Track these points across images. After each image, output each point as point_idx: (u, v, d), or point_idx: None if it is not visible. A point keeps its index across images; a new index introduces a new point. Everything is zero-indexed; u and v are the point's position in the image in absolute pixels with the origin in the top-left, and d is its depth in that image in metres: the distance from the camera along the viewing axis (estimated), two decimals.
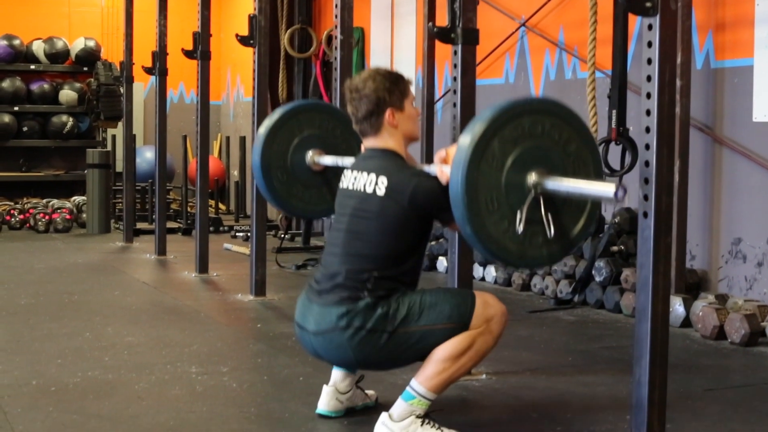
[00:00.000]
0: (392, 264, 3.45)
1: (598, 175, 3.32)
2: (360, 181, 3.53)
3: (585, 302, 6.36)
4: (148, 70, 8.52)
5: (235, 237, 10.17)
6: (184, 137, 11.53)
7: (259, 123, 6.36)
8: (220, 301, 6.45)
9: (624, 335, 5.52)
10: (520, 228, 3.09)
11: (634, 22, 6.40)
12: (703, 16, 5.99)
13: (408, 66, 9.10)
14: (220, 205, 12.08)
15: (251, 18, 6.40)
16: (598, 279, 6.26)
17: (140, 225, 10.29)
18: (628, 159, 6.13)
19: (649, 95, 3.31)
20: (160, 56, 8.43)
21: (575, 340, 5.42)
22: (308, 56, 9.83)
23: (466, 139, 3.09)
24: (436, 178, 3.40)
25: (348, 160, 4.25)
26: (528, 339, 5.38)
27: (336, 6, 5.37)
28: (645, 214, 3.34)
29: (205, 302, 6.41)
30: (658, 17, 3.24)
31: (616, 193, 3.02)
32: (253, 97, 6.51)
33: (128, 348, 4.97)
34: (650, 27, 3.28)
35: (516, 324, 5.78)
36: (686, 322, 5.64)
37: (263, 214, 6.55)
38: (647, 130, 3.33)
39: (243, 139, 11.61)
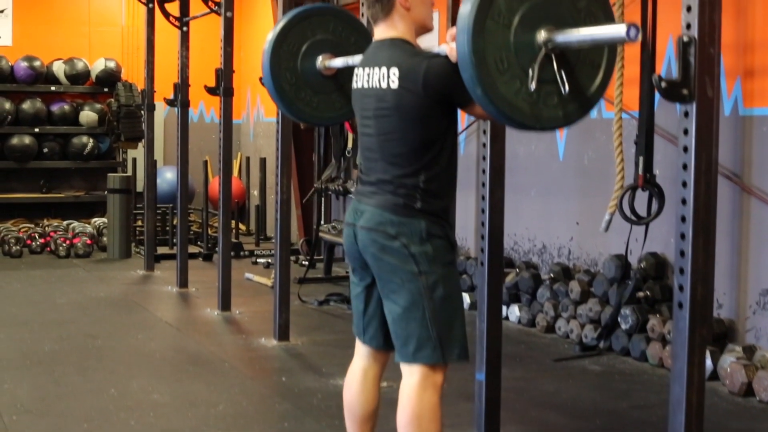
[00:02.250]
0: (431, 160, 3.31)
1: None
2: (373, 77, 3.38)
3: (610, 348, 6.31)
4: (170, 102, 8.51)
5: (255, 263, 10.14)
6: (205, 162, 11.53)
7: (284, 147, 6.35)
8: (243, 347, 6.42)
9: (652, 390, 5.47)
10: (532, 85, 2.95)
11: (660, 66, 6.36)
12: (732, 62, 5.93)
13: None
14: (240, 226, 12.06)
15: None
16: (624, 326, 6.21)
17: (161, 249, 10.24)
18: (655, 206, 6.10)
19: (685, 184, 3.27)
20: (182, 88, 8.40)
21: (603, 396, 5.37)
22: None
23: None
24: (447, 57, 3.21)
25: (359, 59, 4.16)
26: (554, 395, 5.33)
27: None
28: (680, 305, 3.30)
29: (229, 348, 6.38)
30: (694, 104, 3.20)
31: (628, 32, 2.81)
32: (276, 149, 6.44)
33: (154, 408, 4.95)
34: (686, 114, 3.23)
35: (542, 376, 5.76)
36: (714, 375, 5.59)
37: (287, 258, 6.53)
38: (683, 219, 3.28)
39: (263, 161, 11.59)
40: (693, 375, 3.28)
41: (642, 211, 6.18)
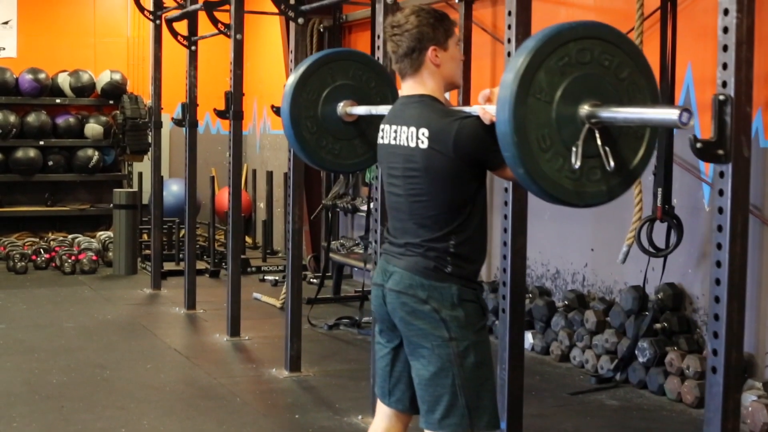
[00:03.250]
0: (461, 222, 3.23)
1: (654, 101, 3.03)
2: (401, 135, 3.29)
3: (626, 381, 6.22)
4: (179, 122, 8.41)
5: (263, 281, 10.04)
6: (212, 176, 11.43)
7: (295, 196, 6.27)
8: (254, 379, 6.32)
9: (671, 427, 5.38)
10: (577, 163, 2.83)
11: (679, 94, 6.27)
12: (755, 92, 5.80)
13: None
14: (247, 239, 11.97)
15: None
16: (641, 359, 6.11)
17: (167, 264, 10.13)
18: (673, 237, 6.02)
19: (720, 246, 3.18)
20: (190, 108, 8.30)
21: None
22: None
23: (509, 75, 2.80)
24: (478, 118, 3.14)
25: (383, 108, 4.02)
26: None
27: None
28: (714, 369, 3.20)
29: (240, 380, 6.29)
30: (730, 165, 3.10)
31: (680, 118, 2.70)
32: (289, 169, 6.34)
33: None
34: (722, 174, 3.13)
35: (560, 412, 5.66)
36: None
37: (299, 286, 6.43)
38: (717, 282, 3.19)
39: (270, 174, 11.49)
40: None
41: (659, 241, 6.10)
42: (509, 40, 4.17)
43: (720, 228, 3.17)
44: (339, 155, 4.31)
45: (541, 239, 7.76)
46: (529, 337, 7.15)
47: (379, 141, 3.45)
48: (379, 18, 5.21)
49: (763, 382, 5.70)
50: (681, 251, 6.12)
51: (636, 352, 6.16)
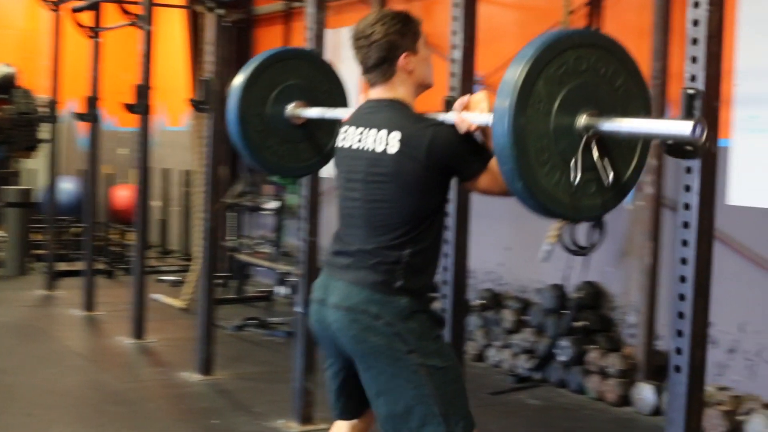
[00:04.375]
0: (421, 233, 3.06)
1: (647, 109, 2.90)
2: (367, 138, 3.11)
3: (545, 380, 6.18)
4: (81, 117, 8.05)
5: (161, 281, 9.73)
6: (109, 176, 11.05)
7: (212, 195, 6.06)
8: (165, 383, 6.06)
9: (596, 426, 5.35)
10: (577, 178, 2.70)
11: None
12: (676, 91, 5.81)
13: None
14: None
15: (205, 82, 6.03)
16: (561, 358, 6.07)
17: (60, 265, 9.70)
18: (596, 235, 5.98)
19: (685, 242, 3.10)
20: (94, 102, 7.97)
21: None
22: None
23: (509, 83, 2.63)
24: (453, 129, 3.01)
25: (338, 112, 3.83)
26: None
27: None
28: (677, 369, 3.13)
29: (150, 384, 6.03)
30: (699, 161, 3.04)
31: (694, 130, 2.56)
32: (206, 165, 6.12)
33: None
34: (689, 170, 3.06)
35: (483, 413, 5.50)
36: (656, 410, 5.49)
37: (211, 290, 6.20)
38: (682, 279, 3.12)
39: (167, 172, 11.18)
40: None
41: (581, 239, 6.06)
42: (454, 47, 4.09)
43: (686, 224, 3.09)
44: (282, 157, 4.07)
45: None
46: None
47: (339, 144, 3.26)
48: (311, 9, 5.05)
49: None
50: (600, 249, 6.08)
51: (556, 350, 6.12)
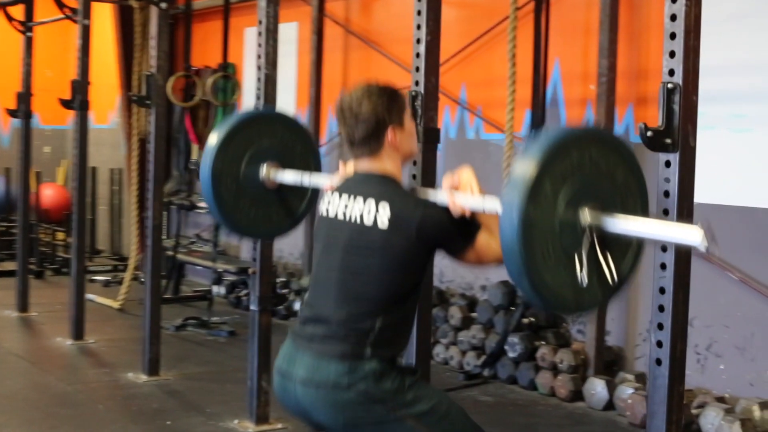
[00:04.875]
0: (396, 305, 3.01)
1: (644, 205, 2.88)
2: (354, 209, 3.07)
3: (495, 376, 6.20)
4: (13, 113, 7.84)
5: (92, 281, 9.54)
6: (37, 173, 10.79)
7: (156, 192, 5.96)
8: (112, 385, 5.94)
9: (553, 423, 5.38)
10: (585, 279, 2.67)
11: (549, 79, 6.30)
12: (624, 88, 5.89)
13: (287, 108, 8.74)
14: (68, 239, 11.37)
15: (148, 77, 5.92)
16: (511, 354, 6.10)
17: None
18: None
19: None
20: (26, 98, 7.78)
21: None
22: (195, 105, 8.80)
23: (517, 183, 2.60)
24: (443, 207, 3.00)
25: (317, 179, 3.79)
26: None
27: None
28: (658, 361, 3.15)
29: (97, 386, 5.90)
30: (678, 154, 3.06)
31: (702, 244, 2.50)
32: (149, 162, 6.01)
33: None
34: (668, 164, 3.09)
35: None
36: (609, 405, 5.55)
37: (158, 288, 6.09)
38: (662, 266, 3.14)
39: (94, 170, 10.96)
40: None
41: None
42: (418, 41, 4.07)
43: (666, 212, 3.11)
44: (254, 220, 3.95)
45: None
46: None
47: (322, 213, 3.20)
48: (262, 3, 5.00)
49: (635, 374, 5.78)
50: None
51: (506, 347, 6.14)
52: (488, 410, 5.62)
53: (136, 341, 6.25)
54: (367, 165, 3.14)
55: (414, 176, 4.05)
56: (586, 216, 2.68)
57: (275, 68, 5.01)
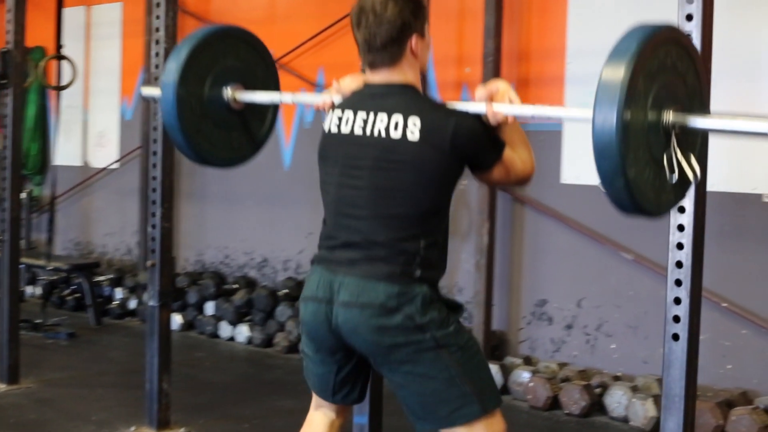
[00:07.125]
0: (434, 224, 2.88)
1: (705, 106, 2.84)
2: (376, 124, 2.87)
3: None
4: None
5: None
6: None
7: (14, 180, 5.46)
8: None
9: None
10: (674, 177, 2.63)
11: None
12: (507, 70, 5.86)
13: (110, 96, 8.25)
14: None
15: (4, 53, 5.37)
16: None
17: None
18: None
19: (682, 209, 3.12)
20: None
21: None
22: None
23: (617, 75, 2.49)
24: (475, 115, 2.85)
25: (303, 98, 3.56)
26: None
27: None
28: (675, 336, 3.19)
29: None
30: None
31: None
32: (5, 147, 5.47)
33: None
34: None
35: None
36: (503, 389, 5.50)
37: (16, 281, 5.54)
38: (679, 246, 3.11)
39: None
40: (689, 408, 3.15)
41: None
42: None
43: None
44: (215, 145, 3.57)
45: (243, 227, 7.39)
46: (243, 330, 6.79)
47: (332, 130, 2.97)
48: None
49: (522, 357, 5.78)
50: None
51: None
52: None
53: None
54: (385, 75, 2.94)
55: None
56: (669, 116, 2.63)
57: (174, 41, 4.60)
